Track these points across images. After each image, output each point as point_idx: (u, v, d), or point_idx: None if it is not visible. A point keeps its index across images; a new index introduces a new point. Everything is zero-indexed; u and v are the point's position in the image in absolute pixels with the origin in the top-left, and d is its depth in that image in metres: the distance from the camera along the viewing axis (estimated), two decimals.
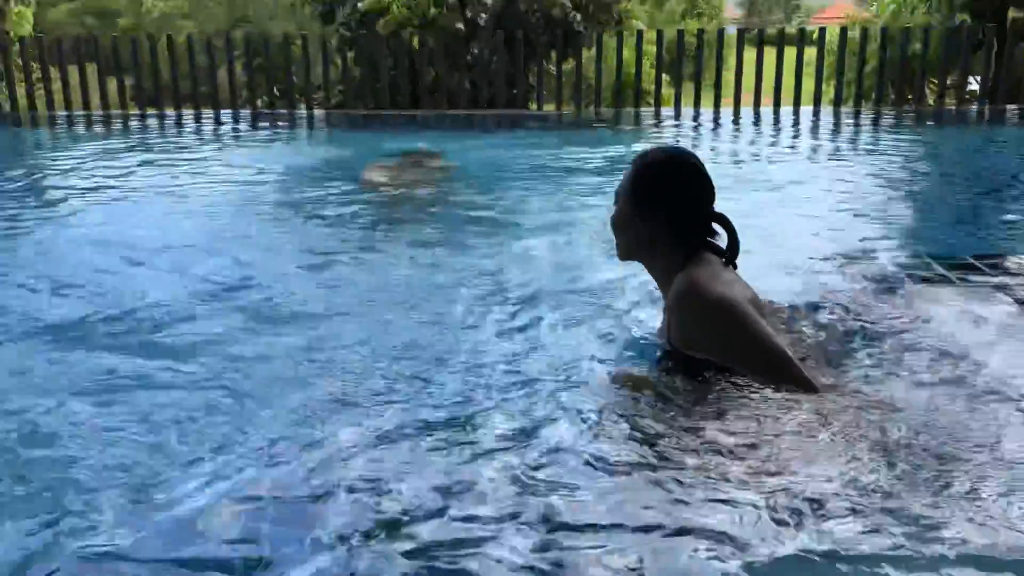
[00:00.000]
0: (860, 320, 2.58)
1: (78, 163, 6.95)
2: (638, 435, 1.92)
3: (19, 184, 6.12)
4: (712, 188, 2.26)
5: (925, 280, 3.23)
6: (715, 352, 2.09)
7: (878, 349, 2.37)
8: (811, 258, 3.50)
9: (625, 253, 2.37)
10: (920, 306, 2.86)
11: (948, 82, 10.19)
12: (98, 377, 2.39)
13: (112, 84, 10.62)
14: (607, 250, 2.83)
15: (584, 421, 2.00)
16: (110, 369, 2.44)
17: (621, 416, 2.03)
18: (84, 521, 1.67)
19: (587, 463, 1.81)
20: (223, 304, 3.08)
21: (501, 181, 5.80)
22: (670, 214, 2.22)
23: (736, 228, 2.24)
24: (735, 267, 2.24)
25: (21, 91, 10.57)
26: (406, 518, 1.64)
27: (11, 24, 12.37)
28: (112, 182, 5.92)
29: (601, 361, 2.38)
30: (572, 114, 10.12)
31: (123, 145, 8.32)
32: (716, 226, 2.27)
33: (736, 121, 9.52)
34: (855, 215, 4.60)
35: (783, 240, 3.91)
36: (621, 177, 2.33)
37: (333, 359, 2.52)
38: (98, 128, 9.38)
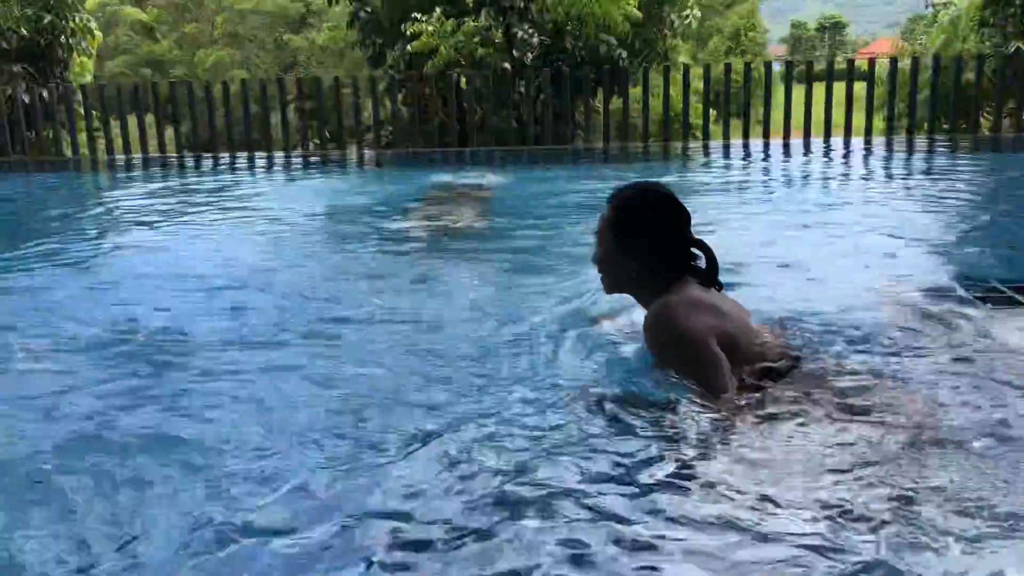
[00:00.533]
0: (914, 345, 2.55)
1: (137, 204, 7.13)
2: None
3: (81, 223, 6.28)
4: (687, 216, 2.36)
5: (988, 301, 3.15)
6: (676, 373, 2.25)
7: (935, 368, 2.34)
8: (866, 288, 3.42)
9: (611, 288, 2.51)
10: (988, 328, 2.79)
11: (1004, 110, 10.00)
12: (155, 399, 2.40)
13: (168, 131, 10.91)
14: None
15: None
16: (165, 393, 2.46)
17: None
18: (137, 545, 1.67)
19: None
20: (276, 332, 3.09)
21: (548, 213, 5.80)
22: (650, 246, 2.35)
23: (714, 251, 2.34)
24: (720, 287, 2.36)
25: (82, 138, 10.92)
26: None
27: (73, 74, 12.83)
28: (169, 221, 6.05)
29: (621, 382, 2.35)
30: (619, 150, 10.13)
31: (179, 186, 8.52)
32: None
33: (787, 152, 9.45)
34: (915, 240, 4.50)
35: (843, 266, 3.84)
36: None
37: (382, 387, 2.51)
38: (155, 171, 9.62)
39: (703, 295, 2.30)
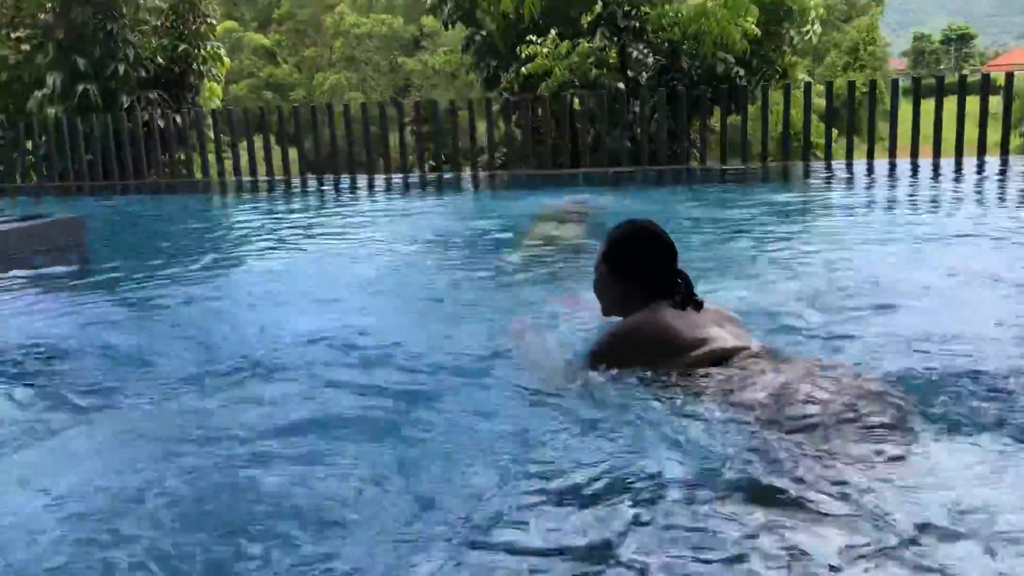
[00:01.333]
0: None
1: (260, 224, 7.40)
2: None
3: (209, 242, 6.55)
4: (673, 251, 2.68)
5: None
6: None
7: None
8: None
9: (606, 311, 2.81)
10: None
11: None
12: (269, 416, 2.44)
13: (292, 151, 11.34)
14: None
15: None
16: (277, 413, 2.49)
17: None
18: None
19: None
20: (389, 356, 3.10)
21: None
22: (640, 277, 2.67)
23: (691, 280, 2.63)
24: (698, 306, 2.61)
25: (210, 159, 11.45)
26: None
27: (204, 99, 13.48)
28: (289, 241, 6.24)
29: None
30: (738, 169, 9.91)
31: (300, 207, 8.81)
32: None
33: (915, 173, 9.05)
34: None
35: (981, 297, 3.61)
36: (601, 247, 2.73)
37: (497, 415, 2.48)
38: (278, 192, 9.98)
39: (667, 316, 2.56)
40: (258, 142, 11.33)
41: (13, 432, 2.52)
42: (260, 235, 6.76)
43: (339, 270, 4.99)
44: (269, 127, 11.12)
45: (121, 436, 2.51)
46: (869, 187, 8.51)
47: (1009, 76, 9.67)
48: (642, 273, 2.67)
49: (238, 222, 8.19)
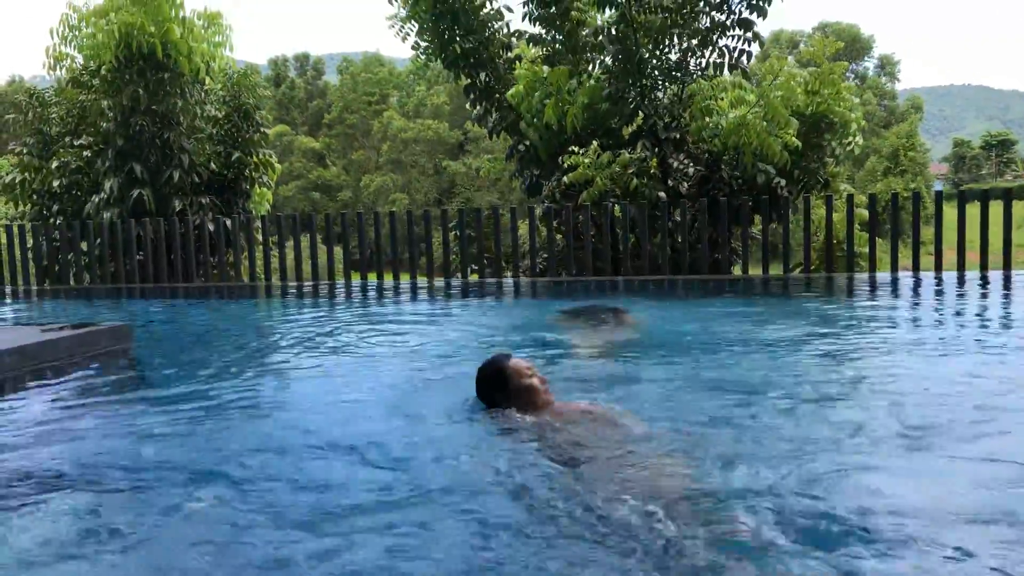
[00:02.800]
0: None
1: (302, 327, 7.49)
2: None
3: (252, 348, 6.62)
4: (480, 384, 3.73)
5: None
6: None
7: None
8: None
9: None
10: None
11: None
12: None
13: (338, 251, 11.56)
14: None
15: None
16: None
17: None
18: None
19: None
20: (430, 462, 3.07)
21: (690, 348, 5.65)
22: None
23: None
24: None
25: (259, 262, 11.71)
26: None
27: (254, 203, 13.88)
28: (329, 345, 6.29)
29: None
30: (779, 280, 9.86)
31: (341, 310, 8.90)
32: None
33: (961, 283, 8.92)
34: None
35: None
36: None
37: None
38: (323, 297, 10.12)
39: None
40: (304, 241, 11.59)
41: (48, 552, 2.52)
42: (300, 340, 6.81)
43: (373, 377, 4.99)
44: (315, 228, 11.37)
45: (161, 549, 2.49)
46: (915, 297, 8.40)
47: None
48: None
49: (282, 326, 8.29)
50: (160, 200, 12.61)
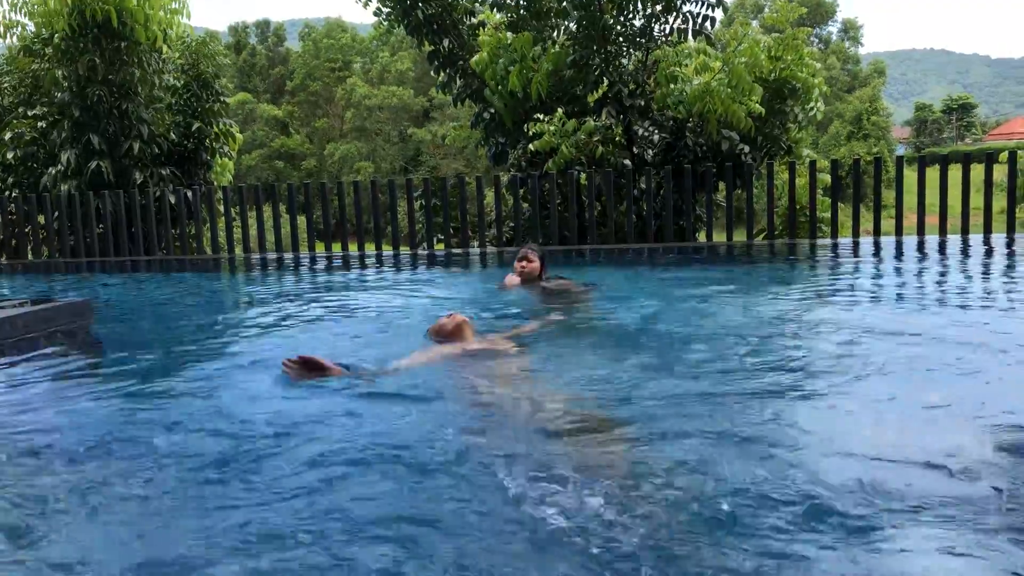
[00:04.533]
0: None
1: (262, 301, 7.44)
2: None
3: (213, 323, 6.55)
4: None
5: None
6: None
7: None
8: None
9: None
10: None
11: None
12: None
13: (300, 219, 11.45)
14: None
15: None
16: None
17: None
18: None
19: None
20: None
21: (634, 307, 5.75)
22: None
23: None
24: None
25: (220, 232, 11.56)
26: None
27: (215, 174, 13.67)
28: (291, 315, 6.26)
29: None
30: (743, 246, 9.94)
31: (308, 285, 8.84)
32: None
33: (921, 249, 9.06)
34: None
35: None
36: None
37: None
38: (287, 269, 10.03)
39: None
40: (268, 212, 11.45)
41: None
42: (260, 314, 6.75)
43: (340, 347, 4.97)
44: (278, 197, 11.25)
45: (119, 525, 2.47)
46: (876, 261, 8.52)
47: (1012, 155, 9.74)
48: None
49: (242, 300, 8.21)
50: (119, 172, 12.37)
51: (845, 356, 4.20)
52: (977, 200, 9.62)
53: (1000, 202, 10.12)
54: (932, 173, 10.14)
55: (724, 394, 3.57)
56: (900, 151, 63.10)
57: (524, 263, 6.47)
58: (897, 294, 6.70)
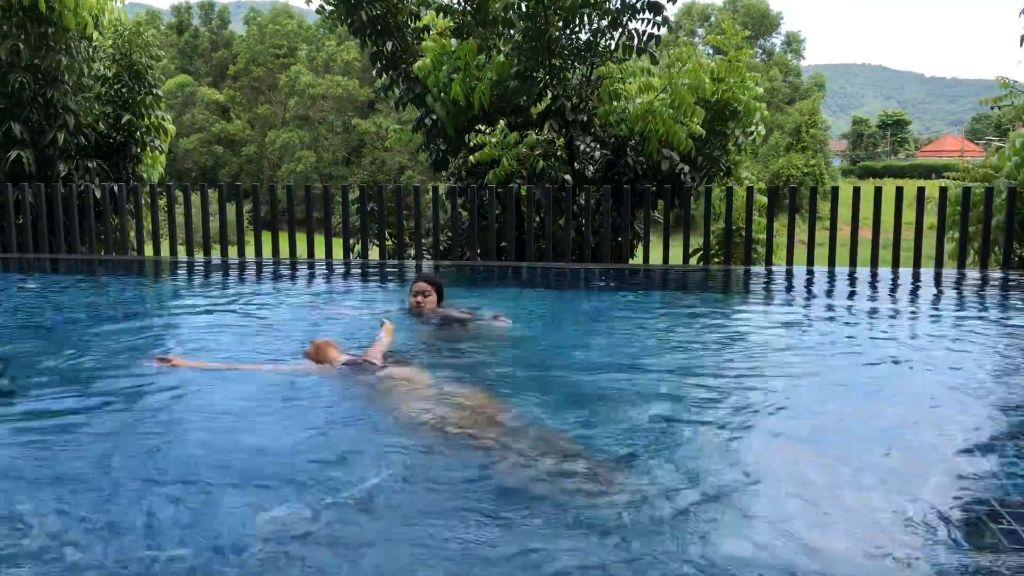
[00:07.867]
0: None
1: (186, 306, 7.19)
2: None
3: (143, 320, 6.29)
4: None
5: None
6: None
7: None
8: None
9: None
10: None
11: None
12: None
13: (230, 209, 11.12)
14: None
15: None
16: None
17: None
18: None
19: None
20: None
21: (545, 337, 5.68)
22: None
23: None
24: None
25: (147, 230, 11.16)
26: None
27: (145, 167, 13.18)
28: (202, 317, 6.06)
29: None
30: (680, 269, 9.98)
31: (234, 293, 8.58)
32: None
33: (852, 281, 9.20)
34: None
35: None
36: None
37: None
38: (214, 275, 9.73)
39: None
40: (197, 207, 11.08)
41: None
42: (182, 321, 6.52)
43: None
44: (206, 195, 10.89)
45: None
46: (808, 292, 8.62)
47: (943, 191, 9.95)
48: None
49: (162, 305, 7.92)
50: (42, 163, 11.87)
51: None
52: (909, 215, 9.82)
53: (931, 218, 10.29)
54: (867, 187, 10.32)
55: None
56: (836, 163, 64.57)
57: (420, 298, 6.29)
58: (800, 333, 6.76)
